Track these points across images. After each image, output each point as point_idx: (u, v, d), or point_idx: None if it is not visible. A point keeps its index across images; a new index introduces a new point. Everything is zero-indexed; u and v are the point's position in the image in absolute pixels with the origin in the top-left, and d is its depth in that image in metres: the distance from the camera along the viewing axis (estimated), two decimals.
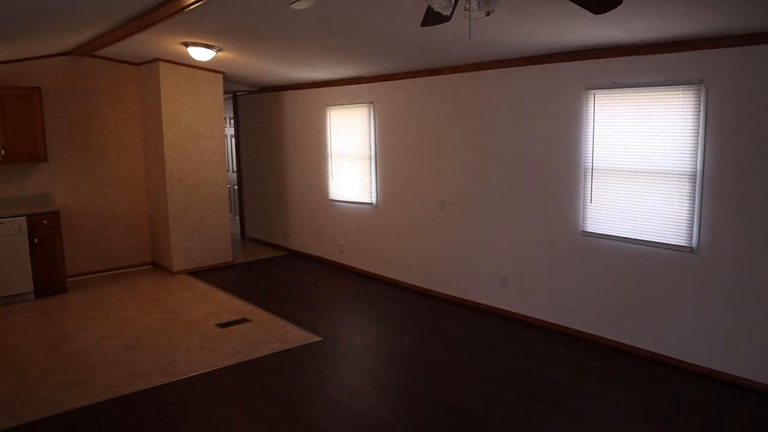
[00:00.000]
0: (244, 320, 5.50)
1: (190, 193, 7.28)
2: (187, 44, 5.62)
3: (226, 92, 8.50)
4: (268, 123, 8.64)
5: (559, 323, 5.08)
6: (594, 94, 4.59)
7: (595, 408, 3.71)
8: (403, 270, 6.61)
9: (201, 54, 5.74)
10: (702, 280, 4.13)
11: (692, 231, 4.13)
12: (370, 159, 6.84)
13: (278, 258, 8.28)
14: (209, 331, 5.21)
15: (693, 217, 4.11)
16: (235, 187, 9.70)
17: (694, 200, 4.10)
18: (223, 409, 3.74)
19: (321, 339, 4.98)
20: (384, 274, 6.89)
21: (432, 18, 2.85)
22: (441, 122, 5.92)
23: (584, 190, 4.76)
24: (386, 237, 6.79)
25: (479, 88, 5.48)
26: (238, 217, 9.77)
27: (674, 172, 4.16)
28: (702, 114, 3.99)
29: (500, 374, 4.22)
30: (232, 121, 9.55)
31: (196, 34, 5.26)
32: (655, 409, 3.68)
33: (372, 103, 6.72)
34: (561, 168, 4.91)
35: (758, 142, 3.76)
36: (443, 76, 5.81)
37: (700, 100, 3.99)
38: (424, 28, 3.78)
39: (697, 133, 4.02)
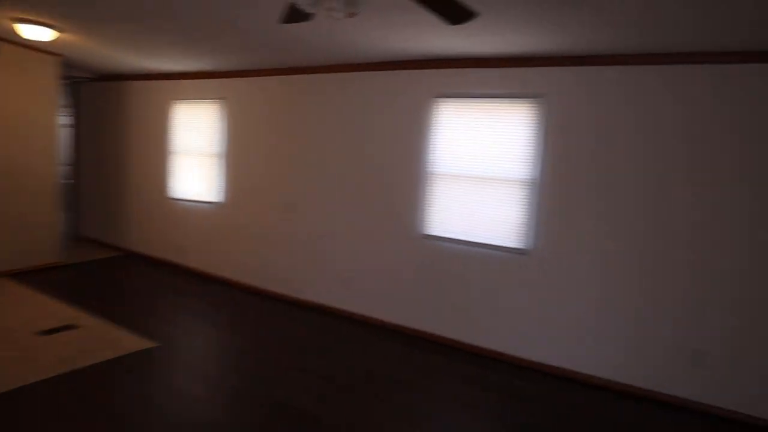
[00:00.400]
0: (69, 327, 4.97)
1: (13, 187, 6.49)
2: (19, 20, 4.98)
3: (64, 78, 7.72)
4: (111, 114, 7.98)
5: (399, 323, 5.21)
6: (442, 102, 4.78)
7: (433, 404, 3.84)
8: (247, 272, 6.42)
9: (35, 33, 5.12)
10: (532, 280, 4.45)
11: (527, 235, 4.44)
12: (218, 157, 6.57)
13: (114, 259, 7.65)
14: (27, 339, 4.64)
15: (528, 222, 4.42)
16: (71, 181, 8.83)
17: (530, 206, 4.41)
18: (41, 429, 3.32)
19: (157, 345, 4.65)
20: (227, 276, 6.64)
21: (293, 16, 2.78)
22: (293, 123, 5.84)
23: (426, 195, 4.93)
24: (231, 238, 6.55)
25: (333, 90, 5.49)
26: (72, 215, 8.90)
27: (514, 179, 4.45)
28: (541, 126, 4.31)
29: (339, 374, 4.22)
30: (71, 110, 8.69)
31: (33, 11, 4.70)
32: (491, 402, 3.90)
33: (223, 99, 6.46)
34: (406, 172, 5.05)
35: (587, 154, 4.14)
36: (298, 76, 5.74)
37: (539, 114, 4.31)
38: (280, 25, 3.68)
39: (536, 143, 4.34)
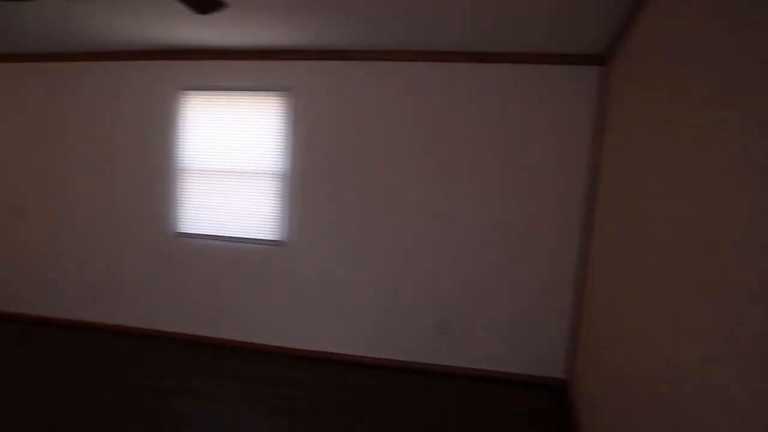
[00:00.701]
0: None
1: None
2: None
3: None
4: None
5: (160, 329, 4.96)
6: (190, 95, 4.65)
7: (202, 407, 3.68)
8: None
9: None
10: (291, 270, 4.64)
11: (282, 226, 4.60)
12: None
13: None
14: None
15: (283, 214, 4.58)
16: None
17: (283, 197, 4.57)
18: None
19: None
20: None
21: None
22: (26, 117, 5.06)
23: (178, 192, 4.77)
24: None
25: (70, 81, 4.91)
26: None
27: (267, 172, 4.55)
28: (289, 119, 4.49)
29: (98, 390, 3.81)
30: None
31: None
32: (269, 396, 3.88)
33: None
34: (154, 169, 4.79)
35: (336, 146, 4.44)
36: (32, 64, 4.99)
37: (288, 107, 4.49)
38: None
39: (286, 136, 4.51)
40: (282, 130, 4.48)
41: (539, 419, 3.73)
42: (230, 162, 4.59)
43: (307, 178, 4.49)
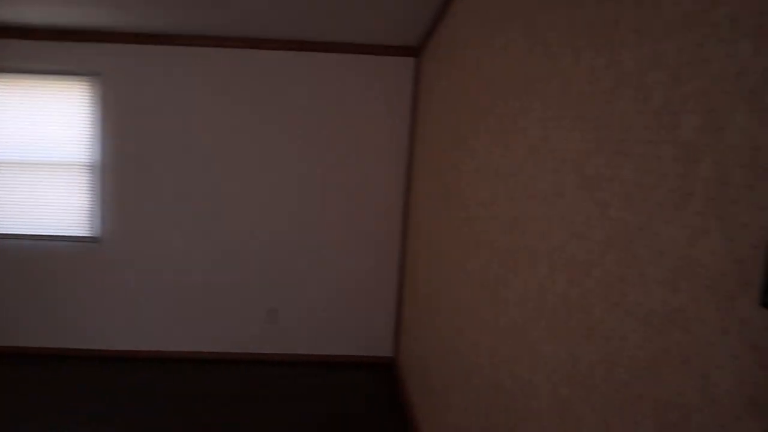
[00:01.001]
0: None
1: None
2: None
3: None
4: None
5: None
6: None
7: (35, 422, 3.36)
8: None
9: None
10: (108, 267, 4.33)
11: (95, 221, 4.27)
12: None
13: None
14: None
15: (95, 208, 4.26)
16: None
17: (95, 191, 4.24)
18: None
19: None
20: None
21: None
22: None
23: None
24: None
25: None
26: None
27: (74, 163, 4.19)
28: (99, 105, 4.17)
29: None
30: None
31: None
32: (79, 403, 3.62)
33: None
34: None
35: (151, 133, 4.22)
36: None
37: (97, 92, 4.17)
38: None
39: (96, 124, 4.19)
40: (91, 118, 4.16)
41: (370, 396, 3.87)
42: (33, 153, 4.17)
43: (124, 169, 4.21)
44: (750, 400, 0.79)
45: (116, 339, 4.39)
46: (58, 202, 4.23)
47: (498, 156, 1.99)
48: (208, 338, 4.42)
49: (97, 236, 4.26)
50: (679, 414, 0.94)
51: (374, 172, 4.27)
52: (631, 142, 1.13)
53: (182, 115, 4.19)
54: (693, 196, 0.93)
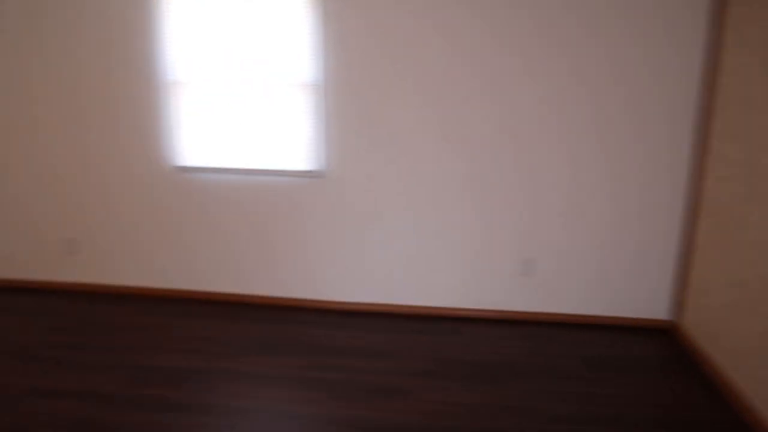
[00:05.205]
0: None
1: None
2: None
3: None
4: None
5: (165, 286, 3.98)
6: None
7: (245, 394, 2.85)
8: None
9: None
10: (336, 207, 3.70)
11: (321, 153, 3.60)
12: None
13: None
14: None
15: (319, 137, 3.57)
16: None
17: (319, 116, 3.55)
18: None
19: None
20: None
21: None
22: None
23: (172, 113, 3.63)
24: None
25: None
26: None
27: (293, 82, 3.46)
28: (322, 19, 3.39)
29: (108, 381, 2.90)
30: None
31: None
32: (324, 371, 3.09)
33: None
34: (134, 82, 3.64)
35: (384, 45, 3.41)
36: None
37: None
38: None
39: (316, 33, 3.40)
40: (310, 25, 3.38)
41: (658, 366, 3.11)
42: (241, 70, 3.48)
43: (351, 89, 3.46)
44: None
45: (342, 290, 3.84)
46: (273, 129, 3.56)
47: None
48: (447, 293, 3.78)
49: (321, 171, 3.60)
50: None
51: (656, 94, 3.30)
52: None
53: (419, 27, 3.34)
54: None
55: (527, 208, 3.55)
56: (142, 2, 3.48)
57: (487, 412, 2.71)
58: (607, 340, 3.48)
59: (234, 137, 3.58)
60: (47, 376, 2.95)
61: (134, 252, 3.92)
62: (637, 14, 3.19)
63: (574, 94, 3.35)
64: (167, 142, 3.66)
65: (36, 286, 4.07)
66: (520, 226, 3.58)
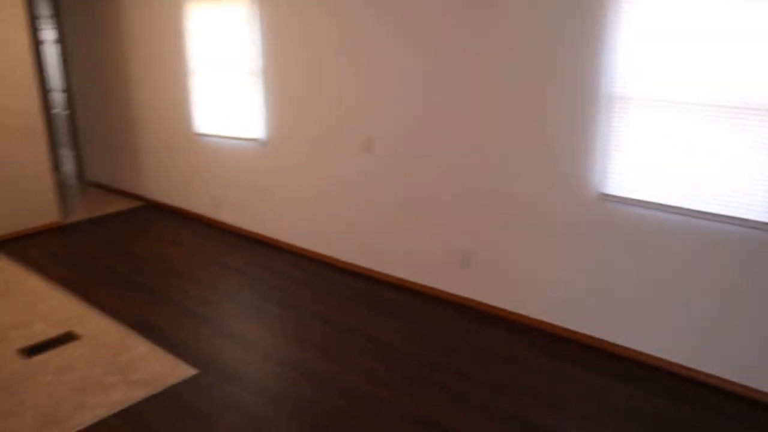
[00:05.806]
0: (67, 337, 3.44)
1: None
2: None
3: None
4: (107, 23, 6.05)
5: (561, 324, 3.46)
6: None
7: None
8: (310, 235, 4.69)
9: None
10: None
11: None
12: (256, 76, 4.67)
13: (129, 212, 6.00)
14: (5, 365, 3.14)
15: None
16: (66, 112, 7.08)
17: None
18: None
19: (196, 372, 3.08)
20: (279, 239, 4.94)
21: None
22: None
23: (608, 130, 3.04)
24: (281, 186, 4.77)
25: None
26: (73, 154, 7.23)
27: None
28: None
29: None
30: (53, 22, 6.78)
31: None
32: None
33: None
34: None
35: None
36: None
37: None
38: None
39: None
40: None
41: None
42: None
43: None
44: None
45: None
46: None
47: None
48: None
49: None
50: None
51: None
52: None
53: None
54: None
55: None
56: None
57: None
58: None
59: (682, 169, 2.79)
60: (430, 403, 2.77)
61: (531, 278, 3.49)
62: None
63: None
64: (594, 164, 3.09)
65: (427, 292, 4.04)
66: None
